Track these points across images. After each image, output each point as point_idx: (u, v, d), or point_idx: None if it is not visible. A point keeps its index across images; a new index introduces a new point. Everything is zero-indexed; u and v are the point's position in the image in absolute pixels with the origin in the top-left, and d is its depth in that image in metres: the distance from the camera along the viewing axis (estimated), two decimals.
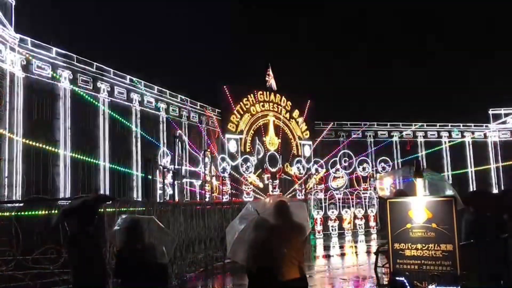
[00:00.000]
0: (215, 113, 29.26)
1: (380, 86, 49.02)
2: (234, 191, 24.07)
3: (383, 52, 53.21)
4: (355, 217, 24.82)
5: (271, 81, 30.73)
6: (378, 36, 54.70)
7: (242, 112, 29.39)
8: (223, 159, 23.46)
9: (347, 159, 27.52)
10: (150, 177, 12.14)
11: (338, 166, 26.52)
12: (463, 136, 36.49)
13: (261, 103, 30.26)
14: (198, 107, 28.24)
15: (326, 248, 19.72)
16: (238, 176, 26.16)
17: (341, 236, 23.79)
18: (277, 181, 28.39)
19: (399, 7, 56.41)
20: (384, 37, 54.70)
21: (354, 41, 52.24)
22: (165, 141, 24.45)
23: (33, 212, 11.67)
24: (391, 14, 55.88)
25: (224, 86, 28.75)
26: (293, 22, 55.97)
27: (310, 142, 32.27)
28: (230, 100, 28.91)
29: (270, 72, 30.71)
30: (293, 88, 33.05)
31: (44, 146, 17.41)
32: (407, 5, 55.29)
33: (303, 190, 27.64)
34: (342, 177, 26.22)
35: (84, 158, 19.25)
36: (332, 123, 34.11)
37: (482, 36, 54.01)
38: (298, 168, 28.70)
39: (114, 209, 9.11)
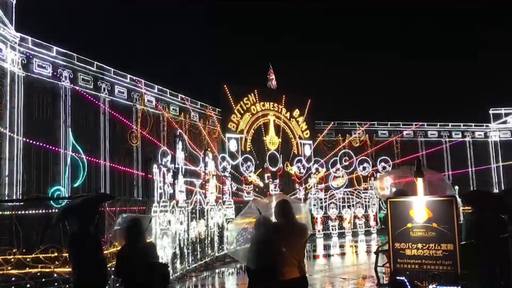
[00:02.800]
0: (216, 112, 29.26)
1: (381, 85, 48.97)
2: (234, 191, 24.06)
3: (383, 51, 53.21)
4: (355, 216, 24.85)
5: (272, 81, 30.63)
6: (379, 35, 54.68)
7: (242, 112, 29.37)
8: (223, 159, 23.43)
9: (347, 159, 27.51)
10: (150, 176, 12.14)
11: (338, 165, 26.53)
12: (463, 136, 36.48)
13: (262, 103, 30.24)
14: (199, 107, 28.23)
15: (326, 247, 19.75)
16: (238, 175, 26.16)
17: (341, 235, 23.82)
18: (277, 181, 28.39)
19: (399, 6, 56.40)
20: (384, 36, 54.67)
21: (355, 40, 52.21)
22: (165, 140, 24.45)
23: (33, 211, 11.68)
24: (391, 13, 55.83)
25: (225, 85, 28.73)
26: (293, 20, 55.92)
27: (311, 142, 32.26)
28: (231, 99, 28.90)
29: (272, 72, 30.63)
30: (293, 87, 33.06)
31: (44, 145, 17.41)
32: (406, 3, 55.27)
33: (304, 190, 27.64)
34: (343, 176, 26.23)
35: (84, 157, 19.26)
36: (332, 123, 34.10)
37: (482, 34, 53.95)
38: (298, 167, 28.69)
39: (114, 208, 9.12)
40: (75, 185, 18.95)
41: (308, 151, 31.68)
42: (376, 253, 11.63)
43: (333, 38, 51.19)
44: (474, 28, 52.35)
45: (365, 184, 26.35)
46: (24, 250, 8.68)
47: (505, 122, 36.58)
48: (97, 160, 20.13)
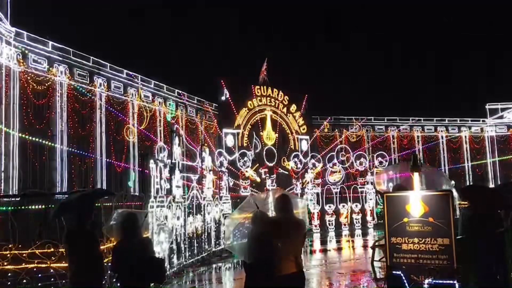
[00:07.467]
0: (213, 108, 29.23)
1: (378, 81, 49.04)
2: (231, 186, 24.09)
3: (381, 46, 53.20)
4: (352, 211, 24.89)
5: (263, 76, 30.43)
6: (376, 30, 54.65)
7: (239, 107, 29.33)
8: (220, 154, 23.43)
9: (344, 154, 27.54)
10: (146, 171, 12.14)
11: (335, 160, 26.55)
12: (460, 131, 36.57)
13: (258, 98, 30.19)
14: (195, 102, 28.19)
15: (323, 242, 19.78)
16: (235, 170, 26.16)
17: (338, 230, 23.86)
18: (274, 176, 28.41)
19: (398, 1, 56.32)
20: (381, 32, 54.64)
21: (352, 35, 52.23)
22: (162, 135, 24.43)
23: (29, 207, 11.65)
24: (389, 7, 55.74)
25: (222, 81, 28.66)
26: (290, 17, 55.78)
27: (308, 137, 32.27)
28: (227, 94, 28.85)
29: (265, 68, 30.46)
30: (290, 82, 33.03)
31: (40, 140, 17.35)
32: None
33: (300, 185, 27.67)
34: (339, 171, 26.25)
35: (80, 152, 19.22)
36: (329, 118, 34.12)
37: (479, 31, 54.00)
38: (295, 162, 28.70)
39: (111, 204, 9.11)
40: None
41: (305, 146, 31.68)
42: (373, 247, 11.66)
43: (332, 35, 51.13)
44: (471, 25, 52.37)
45: (362, 179, 26.38)
46: (20, 246, 8.66)
47: (501, 117, 36.68)
48: (93, 155, 20.10)
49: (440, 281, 5.48)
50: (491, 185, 32.27)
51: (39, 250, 8.63)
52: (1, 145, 16.60)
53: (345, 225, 24.50)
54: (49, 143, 17.91)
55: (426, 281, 5.53)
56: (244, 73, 32.24)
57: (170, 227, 11.89)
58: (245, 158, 26.88)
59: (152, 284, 5.99)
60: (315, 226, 23.74)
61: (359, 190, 25.37)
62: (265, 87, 30.47)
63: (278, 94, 31.02)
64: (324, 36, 51.40)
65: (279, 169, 29.06)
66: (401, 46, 53.12)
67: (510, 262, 6.27)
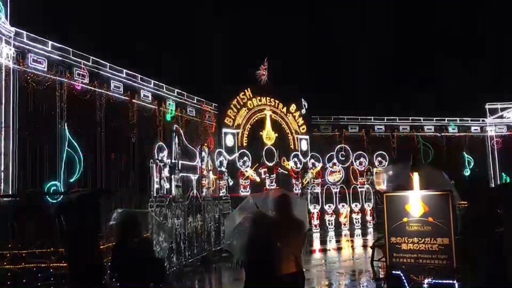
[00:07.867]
0: (212, 108, 29.22)
1: (377, 80, 48.97)
2: (231, 186, 24.08)
3: (380, 46, 53.08)
4: (351, 211, 24.90)
5: (264, 76, 30.45)
6: (376, 30, 54.53)
7: (239, 107, 29.35)
8: (220, 154, 23.43)
9: (344, 154, 27.53)
10: (146, 171, 12.19)
11: (334, 160, 26.56)
12: (459, 131, 36.56)
13: (258, 97, 30.18)
14: (195, 102, 28.18)
15: (323, 242, 19.79)
16: (235, 170, 26.15)
17: (337, 230, 23.88)
18: (274, 176, 28.38)
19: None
20: (381, 31, 54.55)
21: (352, 34, 52.08)
22: (161, 135, 24.40)
23: (29, 206, 11.66)
24: (390, 7, 55.64)
25: (222, 81, 28.70)
26: (289, 14, 55.71)
27: (307, 137, 32.23)
28: (228, 94, 28.86)
29: (265, 67, 30.44)
30: (290, 82, 32.92)
31: (40, 139, 17.36)
32: None
33: (300, 185, 27.67)
34: (339, 171, 26.25)
35: (80, 152, 19.19)
36: (329, 118, 34.08)
37: (479, 29, 53.91)
38: (295, 162, 28.69)
39: (110, 203, 9.11)
40: (71, 180, 18.91)
41: (304, 146, 31.67)
42: (372, 247, 11.67)
43: (330, 33, 51.00)
44: (471, 23, 52.30)
45: (362, 179, 26.40)
46: (20, 245, 8.66)
47: (501, 117, 36.69)
48: (93, 155, 20.07)
49: (440, 281, 5.49)
50: (491, 185, 32.28)
51: (39, 250, 8.64)
52: (1, 145, 16.60)
53: (344, 224, 24.52)
54: (49, 143, 17.89)
55: (426, 280, 5.55)
56: (244, 73, 32.13)
57: (170, 226, 11.90)
58: (245, 158, 26.89)
59: (152, 284, 5.99)
60: (315, 226, 23.75)
61: (359, 190, 25.39)
62: (264, 86, 30.43)
63: (277, 94, 30.91)
64: (325, 35, 51.30)
65: (279, 169, 29.03)
66: (401, 46, 53.01)
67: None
